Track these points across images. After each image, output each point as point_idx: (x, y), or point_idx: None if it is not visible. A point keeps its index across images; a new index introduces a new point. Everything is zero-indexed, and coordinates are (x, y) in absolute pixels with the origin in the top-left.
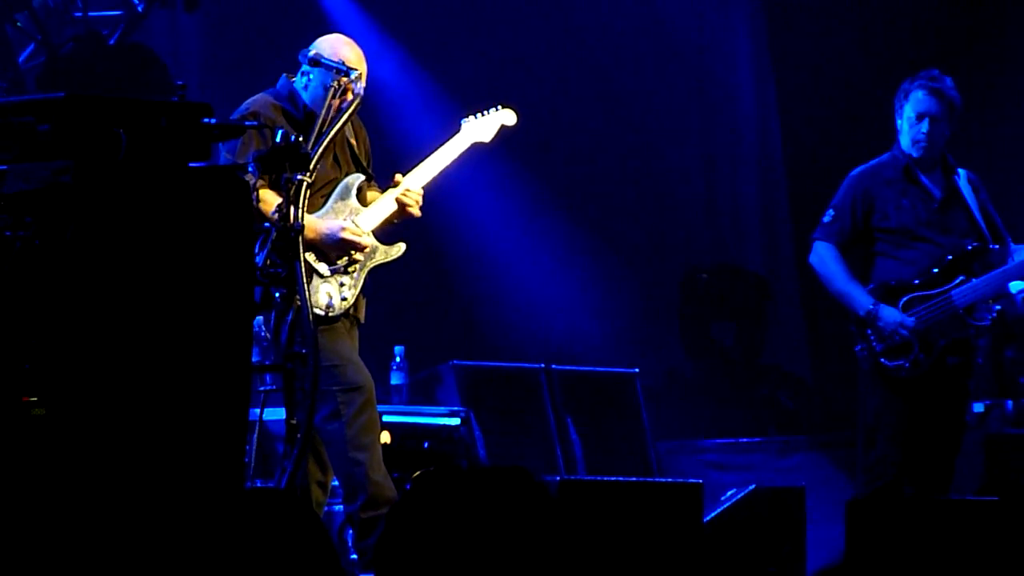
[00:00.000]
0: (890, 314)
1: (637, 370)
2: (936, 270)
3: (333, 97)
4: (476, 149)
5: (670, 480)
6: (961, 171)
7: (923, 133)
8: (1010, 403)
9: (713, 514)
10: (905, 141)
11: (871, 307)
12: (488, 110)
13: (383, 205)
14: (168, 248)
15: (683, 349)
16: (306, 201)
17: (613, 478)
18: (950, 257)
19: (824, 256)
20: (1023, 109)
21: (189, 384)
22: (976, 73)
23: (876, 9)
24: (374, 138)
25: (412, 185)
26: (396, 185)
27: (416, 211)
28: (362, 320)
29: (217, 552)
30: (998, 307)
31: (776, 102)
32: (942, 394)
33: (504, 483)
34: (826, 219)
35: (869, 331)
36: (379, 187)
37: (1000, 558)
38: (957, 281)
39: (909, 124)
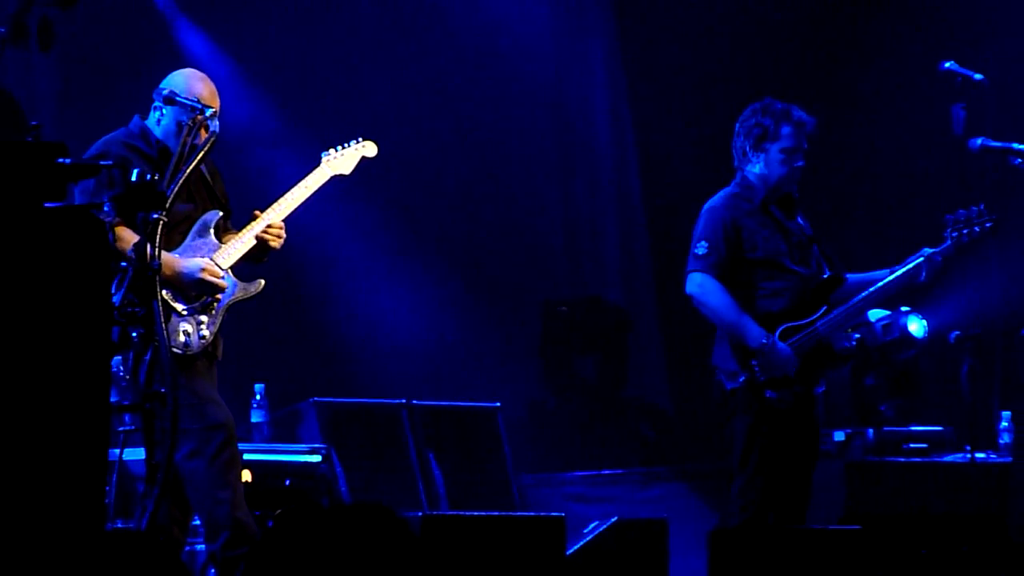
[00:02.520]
0: (784, 350)
1: (499, 404)
2: (803, 301)
3: (188, 135)
4: (337, 182)
5: (532, 514)
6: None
7: (798, 168)
8: (871, 431)
9: (576, 547)
10: (772, 172)
11: (766, 340)
12: (348, 143)
13: (242, 241)
14: (23, 289)
15: (544, 382)
16: (163, 239)
17: (475, 513)
18: (812, 287)
19: (708, 287)
20: (862, 141)
21: (46, 426)
22: (822, 107)
23: (732, 42)
24: (232, 174)
25: (273, 219)
26: (254, 221)
27: (278, 244)
28: (219, 357)
29: None
30: (857, 336)
31: (633, 134)
32: (803, 423)
33: (365, 520)
34: (700, 251)
35: (755, 362)
36: (235, 224)
37: None
38: (821, 311)
39: (780, 159)
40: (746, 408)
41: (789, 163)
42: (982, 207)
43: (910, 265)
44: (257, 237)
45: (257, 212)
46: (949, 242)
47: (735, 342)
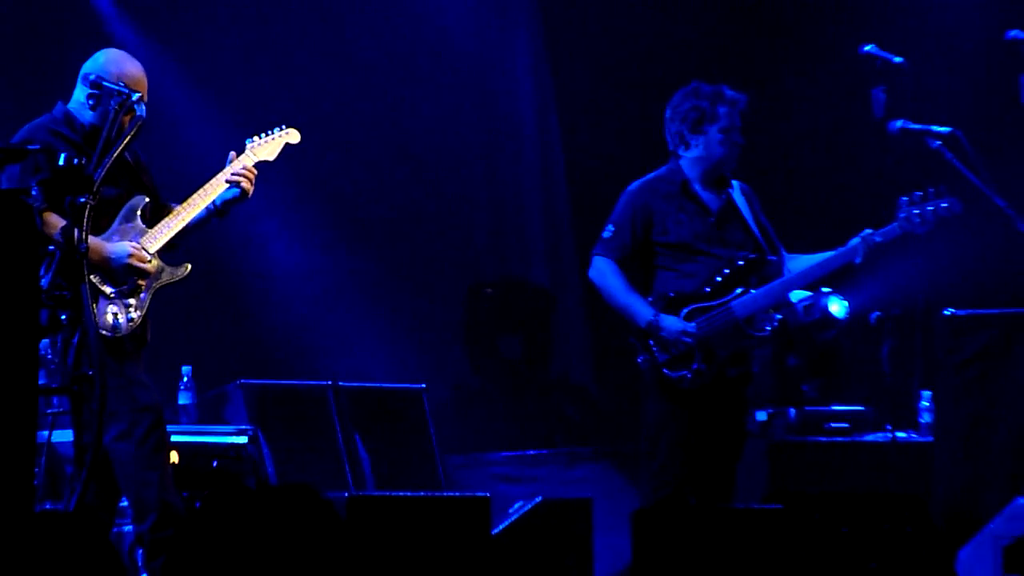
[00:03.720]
0: (672, 323)
1: (424, 385)
2: (716, 282)
3: (114, 119)
4: (261, 168)
5: (458, 494)
6: (735, 183)
7: (738, 145)
8: (792, 411)
9: (501, 527)
10: (713, 152)
11: (652, 317)
12: (272, 130)
13: (169, 226)
14: None
15: (470, 363)
16: (90, 223)
17: (401, 493)
18: (728, 270)
19: (604, 270)
20: (785, 125)
21: None
22: (745, 91)
23: (655, 27)
24: (159, 158)
25: (199, 206)
26: (180, 206)
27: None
28: (148, 340)
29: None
30: (779, 316)
31: (558, 121)
32: (723, 404)
33: (291, 501)
34: (606, 235)
35: (651, 341)
36: (161, 208)
37: (783, 566)
38: (736, 292)
39: (720, 139)
40: (655, 388)
41: (729, 142)
42: (942, 189)
43: (847, 247)
44: (181, 221)
45: (176, 205)
46: (895, 224)
47: (630, 324)
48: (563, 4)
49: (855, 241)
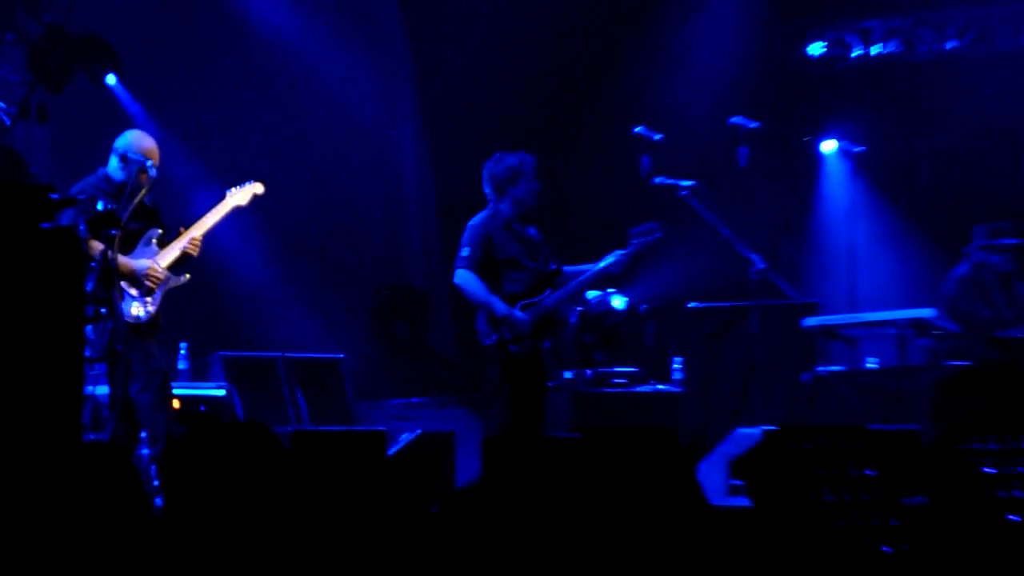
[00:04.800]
0: (521, 318)
1: (343, 355)
2: (534, 286)
3: (136, 179)
4: (237, 210)
5: (364, 428)
6: None
7: (536, 191)
8: (588, 371)
9: (394, 450)
10: (523, 198)
11: (508, 312)
12: (244, 183)
13: (174, 249)
14: (30, 278)
15: (373, 340)
16: (118, 247)
17: (328, 428)
18: (539, 278)
19: (466, 278)
20: (582, 177)
21: (44, 370)
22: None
23: (503, 96)
24: (165, 201)
25: (194, 235)
26: (181, 235)
27: (195, 253)
28: (159, 326)
29: (61, 481)
30: (579, 308)
31: (431, 170)
32: (538, 366)
33: (252, 434)
34: (464, 253)
35: (503, 327)
36: (169, 237)
37: (584, 480)
38: (546, 293)
39: (526, 188)
40: (498, 357)
41: (531, 191)
42: (652, 224)
43: (607, 261)
44: (183, 247)
45: (182, 229)
46: (631, 247)
47: (488, 314)
48: (434, 68)
49: (611, 258)
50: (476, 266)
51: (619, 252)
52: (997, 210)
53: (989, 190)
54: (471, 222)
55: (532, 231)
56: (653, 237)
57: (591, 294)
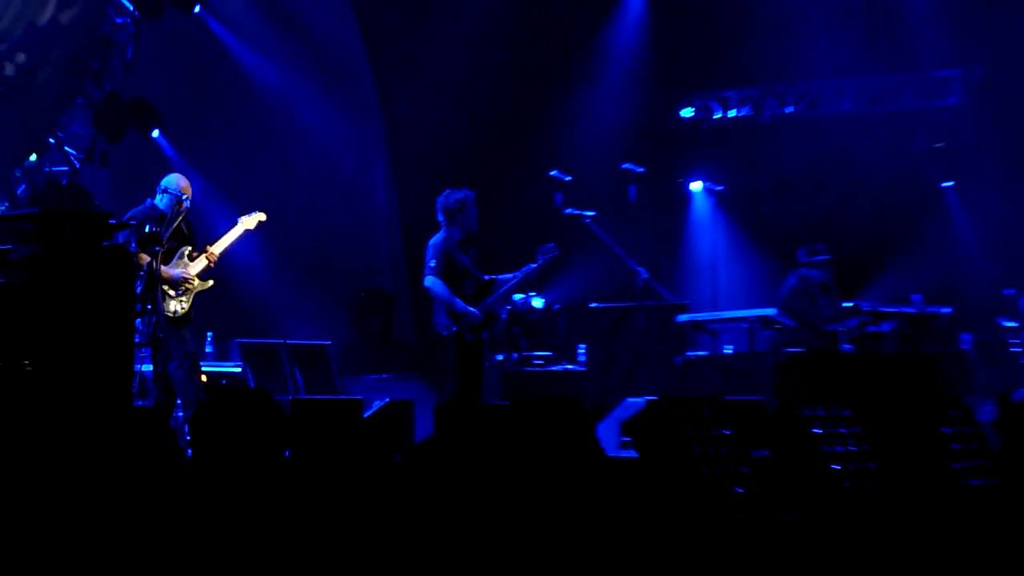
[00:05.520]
0: (474, 314)
1: (330, 342)
2: (479, 290)
3: (175, 208)
4: (247, 232)
5: (345, 397)
6: None
7: (475, 218)
8: (515, 354)
9: (368, 414)
10: (465, 225)
11: (465, 309)
12: (252, 212)
13: (200, 261)
14: (95, 282)
15: (353, 330)
16: (160, 260)
17: (319, 396)
18: (481, 283)
19: (436, 283)
20: (510, 209)
21: (103, 352)
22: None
23: (447, 138)
24: (194, 226)
25: (214, 251)
26: (205, 251)
27: (214, 264)
28: (191, 319)
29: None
30: (509, 307)
31: (397, 196)
32: (479, 350)
33: (259, 400)
34: (432, 264)
35: (460, 321)
36: (197, 252)
37: (514, 441)
38: (487, 296)
39: (471, 220)
40: (454, 344)
41: (473, 219)
42: (551, 244)
43: (523, 272)
44: (207, 259)
45: (207, 247)
46: (539, 262)
47: (448, 311)
48: (400, 137)
49: (527, 269)
50: (441, 274)
51: (531, 265)
52: (817, 233)
53: (812, 218)
54: (431, 241)
55: (473, 249)
56: (551, 255)
57: (517, 296)
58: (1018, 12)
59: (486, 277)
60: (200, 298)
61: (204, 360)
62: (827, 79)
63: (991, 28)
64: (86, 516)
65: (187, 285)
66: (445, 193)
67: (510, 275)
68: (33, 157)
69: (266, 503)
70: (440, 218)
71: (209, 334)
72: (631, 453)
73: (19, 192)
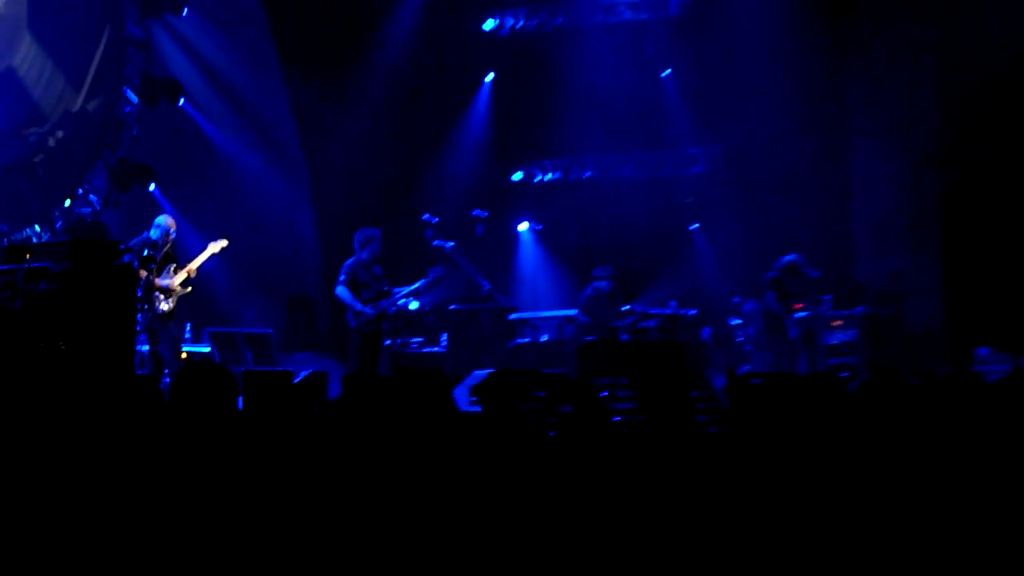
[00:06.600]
0: (369, 311)
1: (271, 331)
2: (380, 297)
3: (164, 239)
4: (214, 254)
5: (281, 369)
6: None
7: (379, 251)
8: (399, 340)
9: (297, 380)
10: (371, 252)
11: (362, 309)
12: (218, 239)
13: (182, 274)
14: (109, 290)
15: (288, 322)
16: (155, 274)
17: (264, 368)
18: (381, 291)
19: (343, 291)
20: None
21: (113, 337)
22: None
23: (367, 186)
24: (178, 249)
25: (192, 267)
26: (186, 267)
27: (194, 275)
28: (174, 315)
29: (121, 394)
30: (395, 308)
31: (320, 229)
32: (377, 338)
33: (220, 371)
34: (342, 278)
35: (359, 317)
36: (180, 268)
37: (395, 398)
38: (384, 301)
39: (376, 250)
40: (357, 333)
41: (378, 249)
42: (439, 267)
43: (421, 283)
44: (187, 273)
45: (189, 265)
46: (429, 277)
47: (351, 311)
48: (322, 184)
49: (424, 280)
50: (347, 285)
51: (422, 280)
52: (606, 256)
53: (603, 247)
54: (345, 263)
55: (377, 269)
56: (436, 275)
57: (401, 301)
58: (742, 106)
59: (387, 287)
60: (182, 300)
61: (184, 344)
62: (613, 154)
63: (725, 117)
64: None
65: (172, 291)
66: (359, 230)
67: (406, 287)
68: (67, 202)
69: (224, 443)
70: (355, 246)
71: (188, 324)
72: (477, 409)
73: (57, 226)
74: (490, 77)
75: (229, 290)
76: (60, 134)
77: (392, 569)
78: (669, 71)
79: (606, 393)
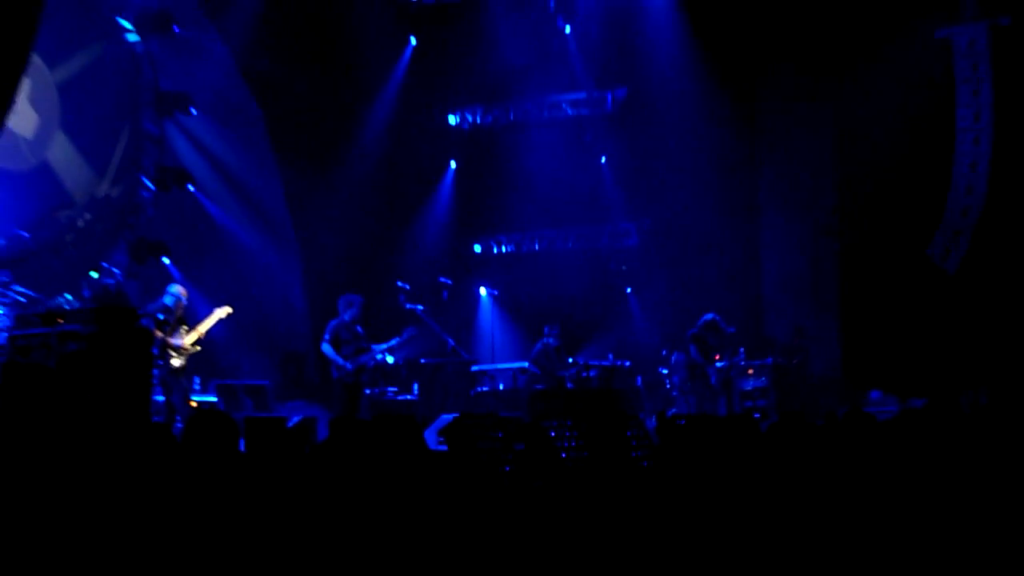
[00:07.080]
0: (349, 366)
1: (268, 382)
2: (360, 351)
3: (176, 305)
4: (220, 320)
5: (277, 415)
6: None
7: (361, 314)
8: (377, 389)
9: (290, 424)
10: (353, 316)
11: (344, 363)
12: (223, 306)
13: (192, 335)
14: (129, 349)
15: (281, 375)
16: (169, 335)
17: (260, 414)
18: (360, 350)
19: (327, 348)
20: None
21: (132, 388)
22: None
23: (351, 256)
24: (189, 313)
25: (201, 329)
26: (195, 329)
27: (203, 336)
28: (186, 369)
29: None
30: (373, 363)
31: (308, 294)
32: (359, 388)
33: (223, 417)
34: (327, 337)
35: (340, 371)
36: (190, 330)
37: (374, 439)
38: (364, 356)
39: (358, 313)
40: (339, 384)
41: (360, 313)
42: (413, 327)
43: (396, 340)
44: (197, 334)
45: (198, 327)
46: (403, 337)
47: (333, 365)
48: (310, 255)
49: (404, 337)
50: (331, 343)
51: (397, 338)
52: (553, 317)
53: (551, 308)
54: (329, 324)
55: (359, 328)
56: (410, 334)
57: (379, 356)
58: (667, 186)
59: (367, 344)
60: (191, 356)
61: (193, 394)
62: (558, 228)
63: (653, 196)
64: (118, 486)
65: (184, 350)
66: (343, 295)
67: (384, 344)
68: (94, 274)
69: (228, 479)
70: (339, 309)
71: (196, 378)
72: (444, 448)
73: (85, 295)
74: (453, 164)
75: (231, 348)
76: (87, 216)
77: None
78: (605, 157)
79: (554, 433)
